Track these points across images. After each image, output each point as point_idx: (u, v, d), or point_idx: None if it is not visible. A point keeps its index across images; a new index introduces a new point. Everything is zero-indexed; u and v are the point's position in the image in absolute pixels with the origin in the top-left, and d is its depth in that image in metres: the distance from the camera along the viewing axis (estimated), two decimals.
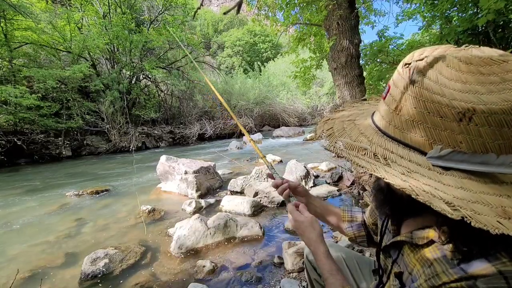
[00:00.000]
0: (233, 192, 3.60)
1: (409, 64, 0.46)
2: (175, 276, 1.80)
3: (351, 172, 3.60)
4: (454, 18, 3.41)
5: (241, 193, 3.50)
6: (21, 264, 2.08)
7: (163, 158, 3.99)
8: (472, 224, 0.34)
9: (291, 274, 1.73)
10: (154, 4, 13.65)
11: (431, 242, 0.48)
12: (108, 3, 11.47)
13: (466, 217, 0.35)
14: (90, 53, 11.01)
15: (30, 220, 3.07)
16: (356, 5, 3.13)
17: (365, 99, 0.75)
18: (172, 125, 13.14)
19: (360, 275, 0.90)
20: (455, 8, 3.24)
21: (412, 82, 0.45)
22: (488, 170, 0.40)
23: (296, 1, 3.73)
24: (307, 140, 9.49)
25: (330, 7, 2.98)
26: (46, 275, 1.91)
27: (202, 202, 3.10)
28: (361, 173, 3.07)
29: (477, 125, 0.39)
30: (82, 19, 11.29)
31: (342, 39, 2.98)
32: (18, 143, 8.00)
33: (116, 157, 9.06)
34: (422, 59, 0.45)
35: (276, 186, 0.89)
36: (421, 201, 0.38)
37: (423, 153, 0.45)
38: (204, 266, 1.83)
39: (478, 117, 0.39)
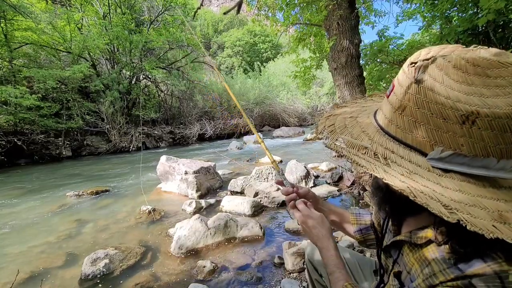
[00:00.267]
0: (233, 192, 3.60)
1: (415, 63, 0.45)
2: (175, 276, 1.80)
3: (352, 172, 3.60)
4: (454, 18, 3.41)
5: (241, 193, 3.50)
6: (21, 264, 2.08)
7: (163, 158, 3.99)
8: (468, 227, 0.35)
9: (292, 274, 1.73)
10: (154, 4, 13.65)
11: (429, 242, 0.48)
12: (108, 3, 11.47)
13: (462, 220, 0.35)
14: (90, 53, 11.02)
15: (30, 221, 3.07)
16: (356, 5, 3.13)
17: (369, 95, 0.74)
18: (172, 125, 13.14)
19: (361, 276, 0.90)
20: (455, 8, 3.24)
21: (417, 81, 0.44)
22: (488, 174, 0.40)
23: (296, 1, 3.73)
24: (307, 140, 9.49)
25: (330, 7, 2.98)
26: (47, 276, 1.91)
27: (202, 202, 3.10)
28: (362, 173, 3.06)
29: (479, 128, 0.39)
30: (82, 19, 11.30)
31: (342, 39, 2.98)
32: (18, 143, 8.01)
33: (116, 157, 9.06)
34: (428, 59, 0.44)
35: (287, 194, 0.85)
36: (419, 203, 0.38)
37: (424, 154, 0.45)
38: (204, 267, 1.83)
39: (481, 120, 0.38)
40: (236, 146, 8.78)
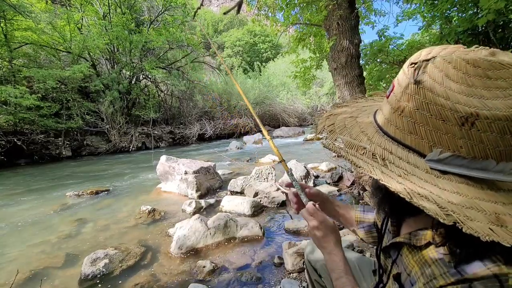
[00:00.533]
0: (233, 192, 3.60)
1: (415, 63, 0.45)
2: (175, 276, 1.80)
3: (351, 172, 3.60)
4: (454, 18, 3.41)
5: (241, 193, 3.50)
6: (21, 264, 2.08)
7: (163, 158, 3.99)
8: (464, 230, 0.35)
9: (291, 274, 1.73)
10: (154, 4, 13.65)
11: (429, 244, 0.48)
12: (108, 3, 11.47)
13: (458, 222, 0.35)
14: (90, 53, 11.02)
15: (30, 220, 3.07)
16: (356, 5, 3.13)
17: (370, 95, 0.74)
18: (172, 125, 13.15)
19: (360, 276, 0.90)
20: (455, 8, 3.24)
21: (416, 82, 0.43)
22: (486, 176, 0.40)
23: (296, 1, 3.72)
24: (307, 140, 9.49)
25: (330, 7, 2.97)
26: (46, 275, 1.91)
27: (202, 202, 3.10)
28: (361, 173, 3.06)
29: (479, 130, 0.39)
30: (82, 19, 11.29)
31: (342, 39, 2.98)
32: (18, 143, 8.00)
33: (116, 157, 9.06)
34: (428, 59, 0.44)
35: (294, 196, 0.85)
36: (415, 204, 0.38)
37: (422, 155, 0.45)
38: (204, 267, 1.83)
39: (480, 122, 0.38)
40: (236, 146, 8.78)
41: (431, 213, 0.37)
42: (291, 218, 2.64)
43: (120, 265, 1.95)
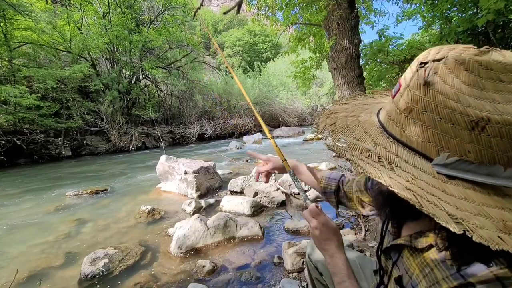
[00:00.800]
0: (233, 192, 3.60)
1: (425, 63, 0.43)
2: (175, 276, 1.80)
3: (351, 172, 3.60)
4: (454, 18, 3.41)
5: (241, 193, 3.50)
6: (20, 264, 2.07)
7: (163, 158, 3.99)
8: (474, 238, 0.34)
9: (291, 274, 1.73)
10: (154, 4, 13.65)
11: (430, 247, 0.47)
12: (108, 3, 11.47)
13: (468, 231, 0.34)
14: (90, 53, 11.01)
15: (29, 220, 3.07)
16: (356, 5, 3.13)
17: (370, 93, 0.72)
18: (172, 125, 13.15)
19: (362, 276, 0.90)
20: (455, 8, 3.24)
21: (426, 83, 0.42)
22: (494, 182, 0.39)
23: (296, 1, 3.72)
24: (307, 140, 9.49)
25: (330, 7, 2.97)
26: (46, 275, 1.91)
27: (202, 202, 3.09)
28: (361, 173, 3.06)
29: (489, 135, 0.38)
30: (82, 19, 11.28)
31: (342, 39, 2.98)
32: (18, 143, 8.00)
33: (116, 157, 9.05)
34: (439, 59, 0.42)
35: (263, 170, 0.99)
36: (425, 212, 0.37)
37: (428, 159, 0.44)
38: (204, 266, 1.83)
39: (491, 127, 0.37)
40: (236, 146, 8.78)
41: (441, 221, 0.36)
42: (291, 218, 2.64)
43: (119, 264, 1.94)
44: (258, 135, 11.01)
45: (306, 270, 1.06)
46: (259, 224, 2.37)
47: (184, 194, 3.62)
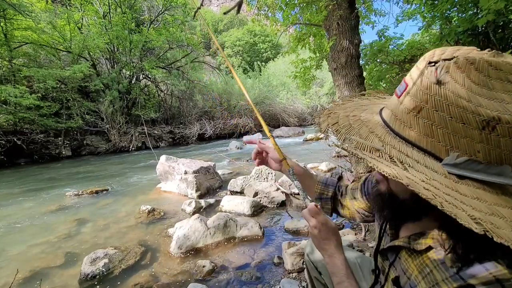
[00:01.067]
0: (233, 192, 3.60)
1: (435, 62, 0.43)
2: (175, 276, 1.80)
3: (351, 172, 3.60)
4: (454, 19, 3.41)
5: (241, 193, 3.50)
6: (20, 264, 2.08)
7: (163, 158, 3.99)
8: (495, 239, 0.33)
9: (291, 274, 1.73)
10: (154, 4, 13.66)
11: (429, 248, 0.47)
12: (108, 3, 11.47)
13: (488, 232, 0.34)
14: (90, 53, 11.02)
15: (29, 220, 3.07)
16: (356, 5, 3.13)
17: (363, 94, 0.72)
18: (172, 125, 13.14)
19: (361, 275, 0.90)
20: (455, 8, 3.24)
21: (438, 82, 0.41)
22: (504, 181, 0.39)
23: (296, 1, 3.72)
24: (307, 140, 9.49)
25: (330, 7, 2.97)
26: (46, 275, 1.91)
27: (202, 202, 3.10)
28: (361, 173, 3.07)
29: (498, 135, 0.38)
30: (82, 19, 11.29)
31: (342, 39, 2.98)
32: (18, 143, 8.00)
33: (116, 157, 9.05)
34: (450, 59, 0.42)
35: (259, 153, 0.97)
36: (447, 213, 0.36)
37: (438, 159, 0.43)
38: (204, 266, 1.83)
39: (501, 127, 0.38)
40: (236, 146, 8.78)
41: (463, 222, 0.35)
42: (291, 218, 2.64)
43: (119, 264, 1.95)
44: (258, 135, 10.97)
45: (305, 270, 1.07)
46: (259, 224, 2.37)
47: (184, 194, 3.62)
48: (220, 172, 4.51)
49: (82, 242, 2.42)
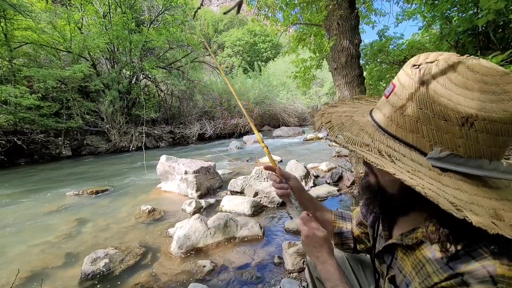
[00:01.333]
0: (233, 192, 3.60)
1: (419, 65, 0.47)
2: (175, 276, 1.80)
3: (351, 172, 3.60)
4: (454, 18, 3.41)
5: (241, 193, 3.50)
6: (21, 264, 2.08)
7: (163, 158, 3.99)
8: (473, 223, 0.36)
9: (291, 274, 1.73)
10: (154, 4, 13.65)
11: (420, 242, 0.50)
12: (108, 3, 11.47)
13: (468, 218, 0.37)
14: (90, 53, 11.01)
15: (30, 220, 3.07)
16: (357, 5, 3.13)
17: (355, 98, 0.76)
18: (172, 125, 13.14)
19: (363, 276, 0.91)
20: (455, 8, 3.24)
21: (422, 83, 0.45)
22: (483, 174, 0.43)
23: (296, 1, 3.72)
24: (307, 140, 9.49)
25: (330, 7, 2.97)
26: (47, 275, 1.91)
27: (202, 202, 3.10)
28: (361, 173, 3.07)
29: (476, 131, 0.42)
30: (82, 19, 11.28)
31: (342, 39, 2.98)
32: (18, 143, 8.00)
33: (116, 157, 9.06)
34: (432, 62, 0.46)
35: (280, 188, 0.87)
36: (430, 199, 0.39)
37: (423, 154, 0.47)
38: (204, 266, 1.83)
39: (479, 123, 0.41)
40: (236, 146, 8.78)
41: (444, 207, 0.38)
42: (291, 218, 2.64)
43: (120, 264, 1.95)
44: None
45: (306, 270, 1.07)
46: (259, 224, 2.38)
47: (184, 194, 3.62)
48: (220, 172, 4.52)
49: (83, 242, 2.43)
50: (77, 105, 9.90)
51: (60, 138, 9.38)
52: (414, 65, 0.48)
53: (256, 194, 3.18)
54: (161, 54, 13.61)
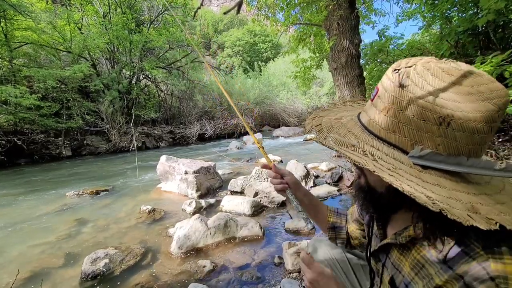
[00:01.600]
0: (233, 192, 3.60)
1: (399, 69, 0.50)
2: (175, 276, 1.80)
3: (351, 172, 3.60)
4: (454, 18, 3.41)
5: (241, 193, 3.50)
6: (21, 264, 2.08)
7: (163, 158, 3.99)
8: (448, 216, 0.38)
9: (291, 274, 1.73)
10: (154, 4, 13.65)
11: (413, 240, 0.52)
12: (108, 3, 11.46)
13: (443, 210, 0.39)
14: (90, 53, 11.00)
15: (30, 220, 3.07)
16: (357, 5, 3.13)
17: (348, 101, 0.80)
18: (172, 125, 13.14)
19: (363, 276, 0.91)
20: (455, 8, 3.24)
21: (401, 86, 0.48)
22: (462, 170, 0.45)
23: (296, 1, 3.72)
24: (307, 140, 9.49)
25: (330, 7, 2.98)
26: (47, 275, 1.91)
27: (202, 202, 3.10)
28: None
29: (454, 130, 0.44)
30: (82, 19, 11.28)
31: (342, 39, 2.98)
32: (18, 143, 8.00)
33: (116, 157, 9.06)
34: (411, 66, 0.49)
35: (277, 184, 0.92)
36: (406, 193, 0.42)
37: (405, 152, 0.49)
38: (204, 266, 1.83)
39: (455, 122, 0.44)
40: (236, 146, 8.78)
41: (420, 201, 0.40)
42: (291, 218, 2.64)
43: (120, 265, 1.95)
44: (258, 135, 11.01)
45: None
46: (260, 224, 2.38)
47: (184, 194, 3.62)
48: (220, 172, 4.52)
49: (83, 242, 2.43)
50: (77, 105, 9.89)
51: (60, 138, 9.38)
52: (395, 70, 0.51)
53: (256, 194, 3.18)
54: (161, 54, 13.60)
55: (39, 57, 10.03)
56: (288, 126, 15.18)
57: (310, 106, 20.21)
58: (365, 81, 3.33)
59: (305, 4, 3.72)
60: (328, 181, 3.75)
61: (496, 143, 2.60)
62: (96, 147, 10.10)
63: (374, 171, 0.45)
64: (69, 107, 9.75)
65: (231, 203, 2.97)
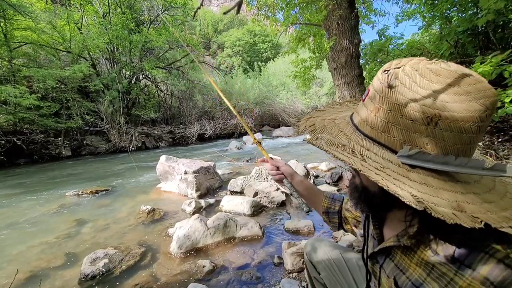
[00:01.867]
0: (233, 192, 3.60)
1: (388, 70, 0.51)
2: (175, 276, 1.80)
3: (351, 172, 3.60)
4: (454, 18, 3.41)
5: (241, 193, 3.50)
6: (20, 264, 2.07)
7: (162, 158, 3.98)
8: (432, 214, 0.39)
9: (291, 274, 1.73)
10: (154, 4, 13.64)
11: (419, 242, 0.52)
12: (108, 3, 11.46)
13: (427, 208, 0.40)
14: (90, 53, 11.00)
15: (29, 220, 3.07)
16: (356, 5, 3.13)
17: (343, 102, 0.81)
18: (172, 125, 13.13)
19: (360, 276, 0.90)
20: (455, 8, 3.24)
21: (389, 87, 0.49)
22: (449, 169, 0.46)
23: (296, 1, 3.72)
24: (307, 140, 9.49)
25: (330, 7, 2.98)
26: (46, 275, 1.91)
27: (202, 202, 3.09)
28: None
29: (441, 129, 0.45)
30: (82, 19, 11.28)
31: (342, 39, 2.98)
32: (18, 143, 8.00)
33: (116, 157, 9.05)
34: (399, 67, 0.50)
35: (274, 174, 1.02)
36: (391, 192, 0.43)
37: (394, 152, 0.50)
38: (204, 266, 1.83)
39: (443, 122, 0.44)
40: (236, 146, 8.78)
41: (405, 200, 0.41)
42: (291, 218, 2.64)
43: (120, 265, 1.95)
44: (258, 135, 11.01)
45: (305, 270, 1.07)
46: (259, 224, 2.37)
47: (184, 194, 3.62)
48: (220, 172, 4.51)
49: (82, 242, 2.42)
50: (76, 105, 9.89)
51: (59, 138, 9.38)
52: (385, 71, 0.51)
53: (255, 194, 3.18)
54: (160, 54, 13.60)
55: (39, 57, 10.03)
56: (288, 126, 15.17)
57: (310, 106, 20.21)
58: (365, 81, 3.32)
59: (304, 4, 3.72)
60: (328, 181, 3.75)
61: (496, 143, 2.61)
62: (95, 147, 10.09)
63: (360, 170, 0.46)
64: (68, 107, 9.74)
65: (230, 203, 2.97)
